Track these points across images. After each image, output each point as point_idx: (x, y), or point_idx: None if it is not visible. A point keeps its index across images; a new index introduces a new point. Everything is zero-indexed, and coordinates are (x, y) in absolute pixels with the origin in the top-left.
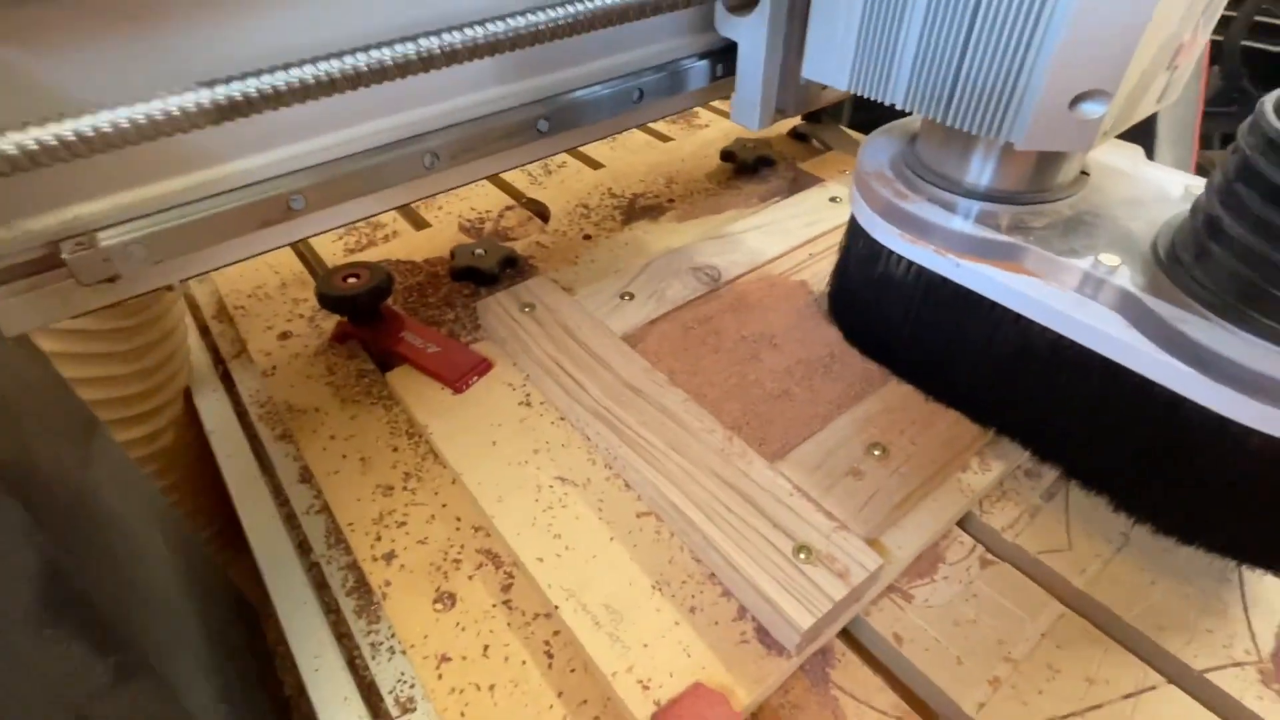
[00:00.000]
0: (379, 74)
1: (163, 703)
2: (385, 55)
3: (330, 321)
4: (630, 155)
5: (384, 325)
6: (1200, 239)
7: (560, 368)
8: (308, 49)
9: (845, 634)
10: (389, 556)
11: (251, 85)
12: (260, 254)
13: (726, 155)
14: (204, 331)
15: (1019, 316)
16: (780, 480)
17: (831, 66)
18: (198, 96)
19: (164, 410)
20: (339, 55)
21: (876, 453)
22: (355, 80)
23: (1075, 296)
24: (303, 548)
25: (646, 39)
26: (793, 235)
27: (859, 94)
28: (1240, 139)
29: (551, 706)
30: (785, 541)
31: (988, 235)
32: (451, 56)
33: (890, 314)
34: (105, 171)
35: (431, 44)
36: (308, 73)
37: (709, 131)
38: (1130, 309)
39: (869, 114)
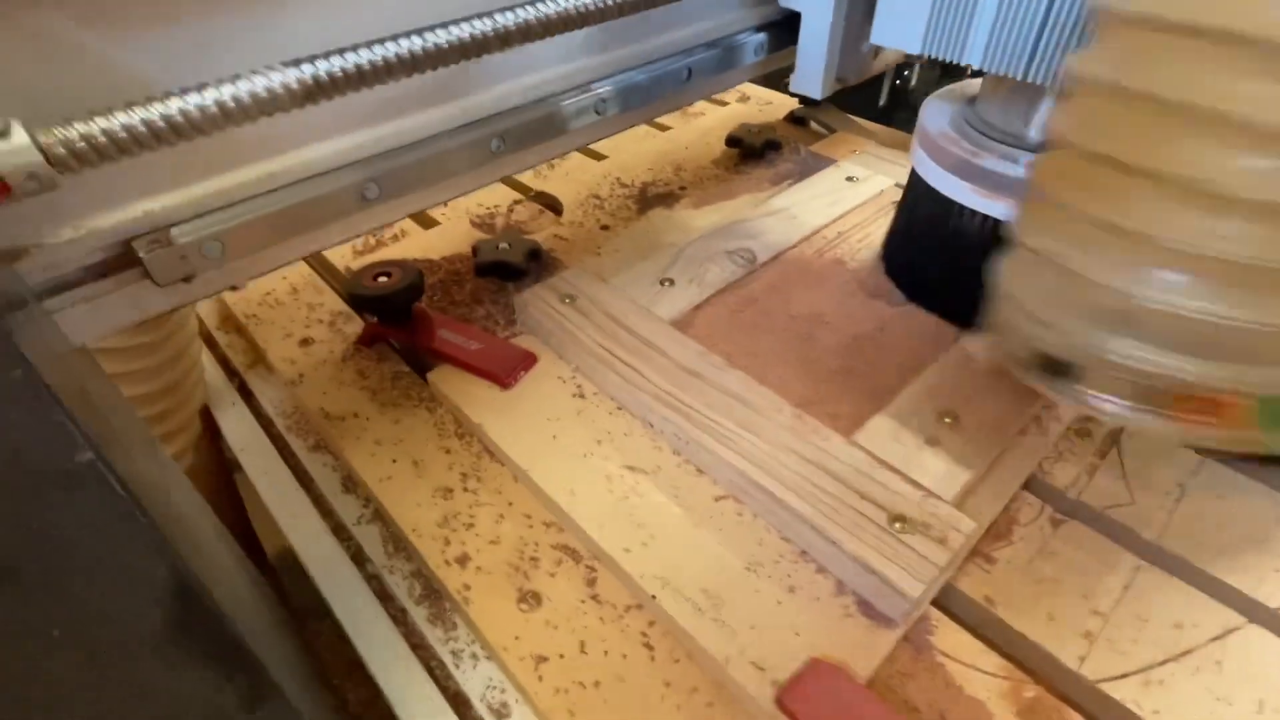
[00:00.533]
0: (458, 51)
1: None
2: (464, 32)
3: (353, 326)
4: (632, 145)
5: (417, 325)
6: None
7: (615, 356)
8: (374, 31)
9: (936, 601)
10: (462, 560)
11: (337, 64)
12: (330, 247)
13: (732, 141)
14: (209, 344)
15: None
16: (860, 453)
17: (903, 30)
18: (285, 77)
19: (182, 432)
20: (419, 32)
21: (948, 420)
22: (436, 58)
23: None
24: (357, 560)
25: (701, 14)
26: (818, 215)
27: (931, 56)
28: None
29: (662, 698)
30: (878, 513)
31: None
32: (526, 33)
33: (962, 268)
34: (175, 163)
35: (507, 19)
36: (391, 50)
37: (705, 120)
38: None
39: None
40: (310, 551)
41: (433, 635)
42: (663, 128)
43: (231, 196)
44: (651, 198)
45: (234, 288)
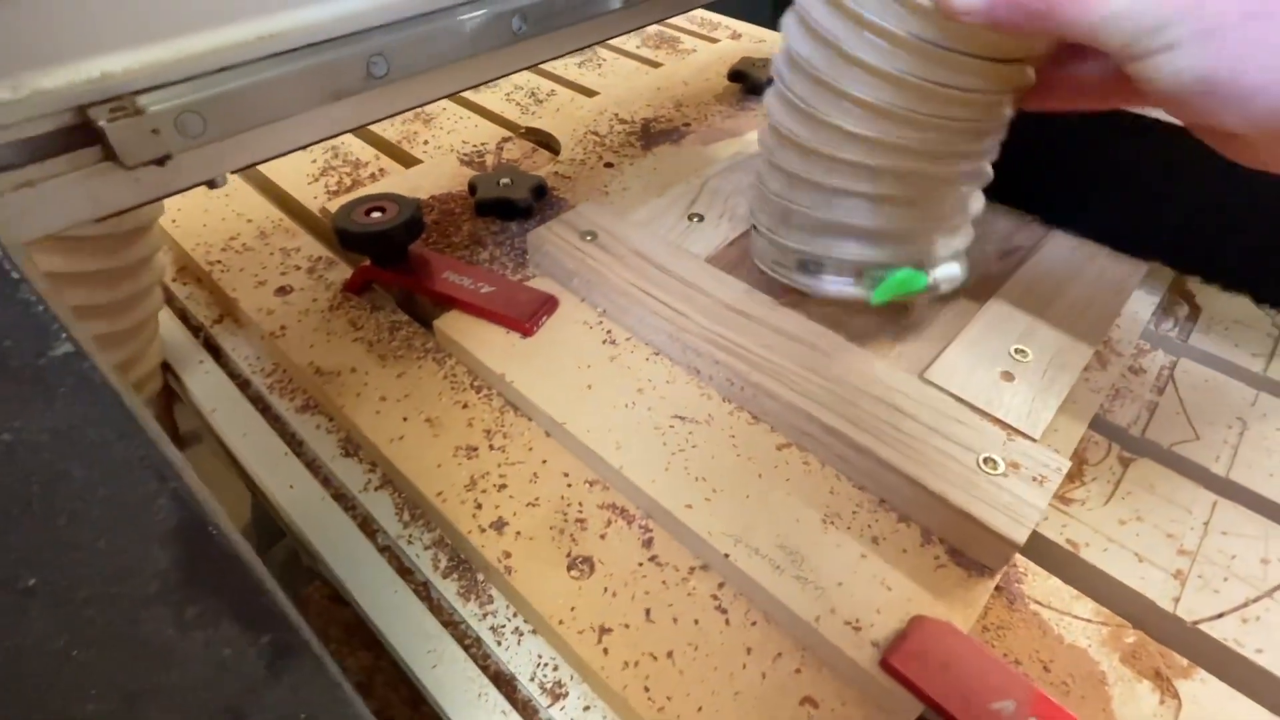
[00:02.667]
0: None
1: (327, 688)
2: None
3: (337, 272)
4: (623, 81)
5: (417, 267)
6: None
7: (651, 296)
8: None
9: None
10: (498, 525)
11: None
12: (330, 138)
13: (735, 76)
14: (166, 298)
15: (1139, 117)
16: (935, 392)
17: None
18: None
19: (143, 387)
20: None
21: (1017, 355)
22: None
23: None
24: (366, 530)
25: None
26: None
27: None
28: None
29: (745, 666)
30: (966, 454)
31: None
32: None
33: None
34: (139, 12)
35: None
36: None
37: (699, 56)
38: None
39: None
40: (313, 523)
41: (465, 610)
42: (654, 64)
43: (213, 63)
44: (655, 134)
45: (212, 183)
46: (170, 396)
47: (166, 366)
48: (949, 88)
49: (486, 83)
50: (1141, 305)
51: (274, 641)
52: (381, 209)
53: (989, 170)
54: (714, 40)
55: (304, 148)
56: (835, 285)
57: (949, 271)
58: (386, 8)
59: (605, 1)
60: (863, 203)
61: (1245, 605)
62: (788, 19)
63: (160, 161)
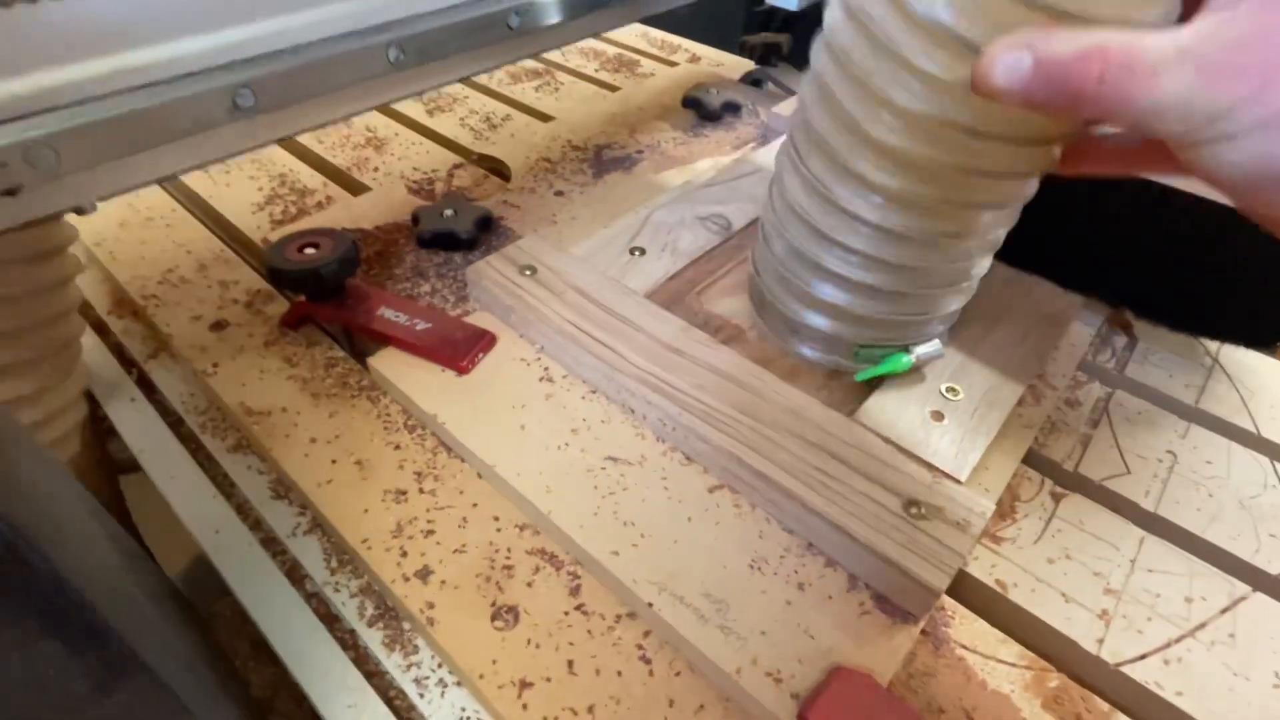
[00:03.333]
0: None
1: (160, 703)
2: None
3: (276, 306)
4: (580, 106)
5: (353, 302)
6: None
7: (586, 334)
8: None
9: (950, 589)
10: (424, 573)
11: None
12: (201, 166)
13: (690, 102)
14: (100, 331)
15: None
16: (864, 433)
17: None
18: None
19: (61, 416)
20: None
21: (948, 393)
22: None
23: None
24: (293, 577)
25: None
26: None
27: None
28: None
29: (666, 719)
30: (890, 498)
31: None
32: None
33: None
34: None
35: None
36: None
37: (657, 80)
38: None
39: None
40: (236, 569)
41: (390, 661)
42: (612, 88)
43: (71, 96)
44: (608, 161)
45: (80, 210)
46: (101, 426)
47: (93, 398)
48: (973, 172)
49: (362, 111)
50: (1079, 336)
51: (104, 660)
52: (316, 245)
53: (989, 258)
54: (673, 64)
55: (171, 177)
56: (820, 356)
57: (931, 349)
58: (251, 41)
59: (486, 32)
60: (864, 291)
61: (1168, 646)
62: (805, 82)
63: (10, 193)
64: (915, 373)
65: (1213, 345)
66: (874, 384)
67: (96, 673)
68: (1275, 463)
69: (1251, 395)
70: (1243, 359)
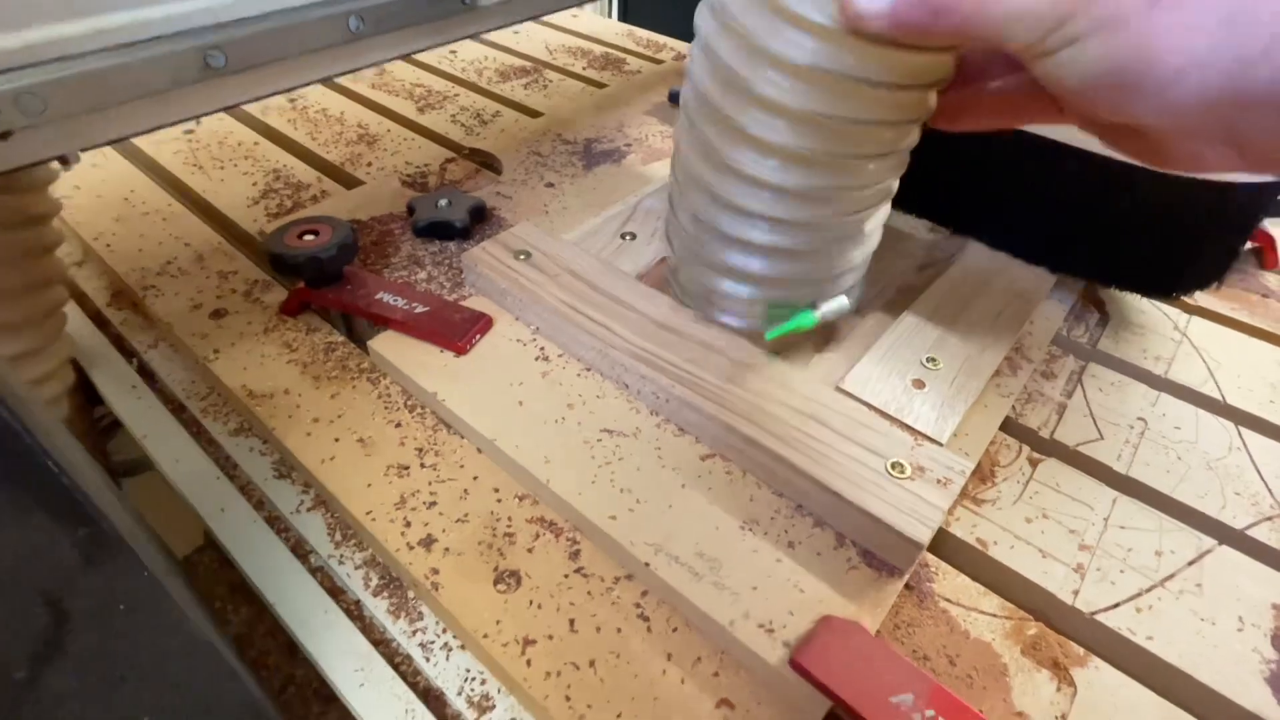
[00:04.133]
0: None
1: (145, 586)
2: None
3: (274, 294)
4: (568, 102)
5: (352, 288)
6: None
7: (581, 314)
8: None
9: (932, 547)
10: (427, 542)
11: None
12: (176, 123)
13: (676, 97)
14: (101, 324)
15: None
16: (849, 400)
17: None
18: None
19: (53, 377)
20: None
21: (929, 364)
22: None
23: None
24: (298, 552)
25: None
26: None
27: None
28: None
29: (664, 671)
30: (875, 459)
31: None
32: None
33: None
34: None
35: None
36: None
37: (643, 77)
38: None
39: None
40: (243, 546)
41: (396, 628)
42: (599, 85)
43: (49, 53)
44: (597, 154)
45: (64, 160)
46: (98, 427)
47: (89, 398)
48: (852, 120)
49: (329, 78)
50: (1054, 312)
51: (91, 535)
52: (315, 232)
53: (886, 208)
54: (658, 61)
55: (148, 131)
56: (732, 320)
57: (837, 305)
58: (224, 6)
59: (445, 4)
60: (761, 253)
61: (1139, 595)
62: (693, 50)
63: (3, 136)
64: (897, 345)
65: (1181, 320)
66: (859, 355)
67: (84, 546)
68: (1240, 428)
69: (1218, 366)
70: (1210, 332)
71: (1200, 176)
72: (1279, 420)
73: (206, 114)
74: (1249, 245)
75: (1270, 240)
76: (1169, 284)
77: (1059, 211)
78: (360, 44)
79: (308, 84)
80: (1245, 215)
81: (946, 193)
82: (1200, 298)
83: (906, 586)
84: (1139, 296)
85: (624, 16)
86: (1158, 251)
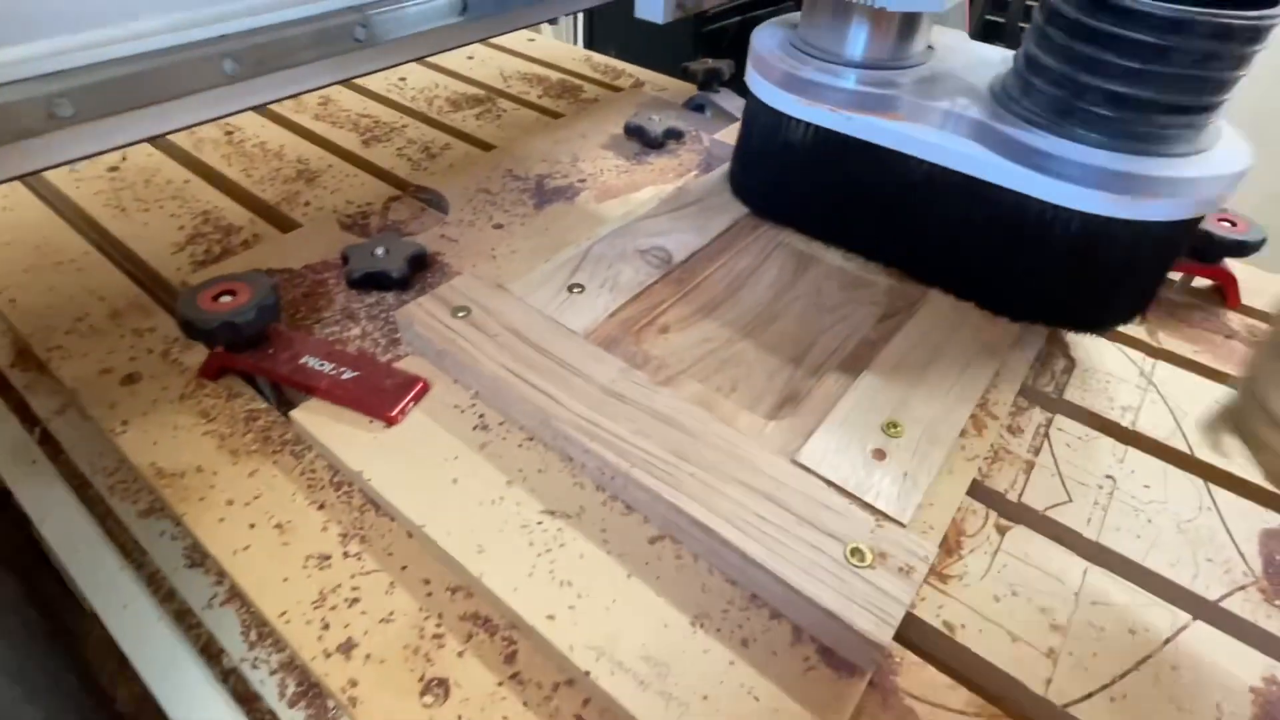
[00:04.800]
0: None
1: None
2: None
3: (193, 355)
4: (522, 134)
5: (275, 351)
6: (1024, 76)
7: (523, 380)
8: None
9: (896, 633)
10: (347, 647)
11: None
12: (19, 177)
13: (633, 130)
14: (3, 387)
15: (900, 154)
16: (805, 476)
17: None
18: None
19: None
20: None
21: (891, 429)
22: None
23: (938, 131)
24: (210, 652)
25: None
26: (733, 206)
27: None
28: None
29: None
30: (833, 545)
31: (870, 90)
32: None
33: (793, 177)
34: None
35: None
36: None
37: (601, 106)
38: (981, 133)
39: None
40: (141, 647)
41: None
42: (555, 115)
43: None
44: (549, 191)
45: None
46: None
47: None
48: None
49: (199, 124)
50: (1019, 362)
51: None
52: (233, 292)
53: None
54: (617, 89)
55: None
56: None
57: None
58: (72, 52)
59: (334, 43)
60: None
61: (1113, 683)
62: None
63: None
64: (856, 410)
65: (1147, 365)
66: (816, 421)
67: None
68: (1209, 484)
69: (1185, 415)
70: (1176, 378)
71: (1116, 215)
72: (1244, 474)
73: (60, 164)
74: (1210, 283)
75: (1231, 279)
76: (1093, 320)
77: (980, 248)
78: (240, 86)
79: (176, 131)
80: (1163, 251)
81: (870, 228)
82: (1165, 339)
83: (870, 683)
84: (1106, 341)
85: (590, 44)
86: (1078, 288)
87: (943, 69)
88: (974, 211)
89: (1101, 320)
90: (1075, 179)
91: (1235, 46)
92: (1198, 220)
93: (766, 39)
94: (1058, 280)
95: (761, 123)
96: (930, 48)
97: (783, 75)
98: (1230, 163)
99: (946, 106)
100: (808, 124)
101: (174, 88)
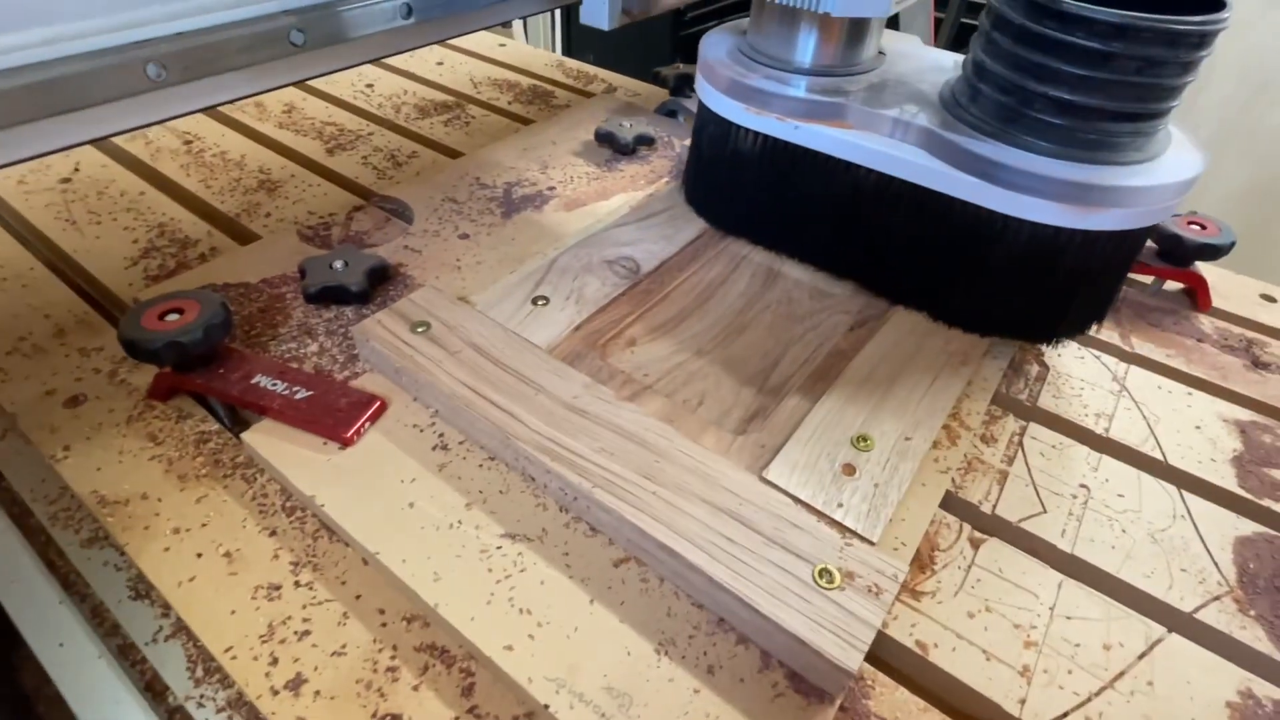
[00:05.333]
0: None
1: None
2: None
3: (142, 375)
4: (491, 140)
5: (226, 370)
6: (972, 83)
7: (482, 397)
8: None
9: (868, 653)
10: (296, 684)
11: None
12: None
13: (603, 136)
14: None
15: (849, 164)
16: (773, 494)
17: None
18: None
19: None
20: None
21: (859, 444)
22: None
23: (888, 140)
24: (154, 689)
25: None
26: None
27: None
28: None
29: None
30: (802, 567)
31: (818, 98)
32: None
33: (743, 186)
34: None
35: None
36: None
37: (572, 111)
38: (929, 142)
39: None
40: (79, 688)
41: None
42: (525, 121)
43: None
44: (517, 199)
45: None
46: None
47: None
48: None
49: (123, 132)
50: (992, 369)
51: None
52: (180, 310)
53: None
54: (589, 94)
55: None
56: None
57: None
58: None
59: (270, 48)
60: None
61: (1089, 700)
62: None
63: None
64: (825, 424)
65: (1120, 370)
66: (785, 436)
67: None
68: (1183, 491)
69: (1158, 421)
70: (1149, 383)
71: (1066, 225)
72: (1218, 480)
73: (149, 125)
74: (1181, 287)
75: (1202, 282)
76: (1048, 331)
77: (931, 260)
78: (165, 92)
79: (102, 138)
80: (1117, 259)
81: (823, 239)
82: (1137, 344)
83: (841, 708)
84: (1078, 346)
85: (567, 50)
86: (1031, 299)
87: (893, 75)
88: (925, 222)
89: (1057, 331)
90: (1024, 188)
91: (1182, 52)
92: (1151, 228)
93: (715, 45)
94: (1010, 291)
95: (710, 132)
96: (881, 53)
97: (730, 83)
98: (1181, 169)
99: (895, 114)
100: (756, 133)
101: (94, 94)
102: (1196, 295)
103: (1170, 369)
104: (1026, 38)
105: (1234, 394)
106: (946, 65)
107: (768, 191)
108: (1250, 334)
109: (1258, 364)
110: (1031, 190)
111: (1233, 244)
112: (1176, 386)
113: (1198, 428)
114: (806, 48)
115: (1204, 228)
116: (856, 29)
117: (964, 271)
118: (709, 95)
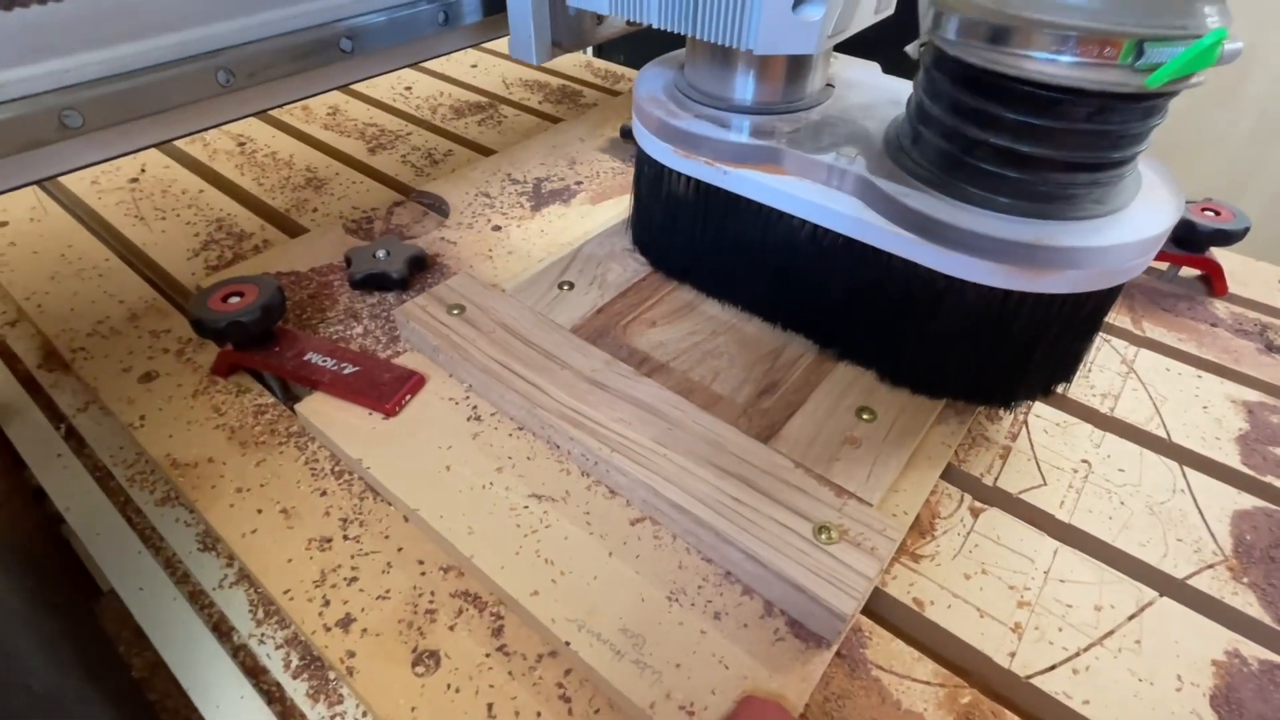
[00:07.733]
0: None
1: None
2: None
3: (206, 354)
4: (522, 138)
5: (281, 348)
6: (913, 125)
7: (511, 372)
8: None
9: (867, 608)
10: (345, 622)
11: None
12: (37, 182)
13: (628, 133)
14: (31, 387)
15: (782, 214)
16: (780, 459)
17: None
18: None
19: None
20: None
21: (865, 416)
22: None
23: (823, 188)
24: (221, 629)
25: None
26: None
27: (619, 17)
28: (928, 33)
29: None
30: (803, 524)
31: (748, 142)
32: None
33: (679, 232)
34: None
35: None
36: None
37: (599, 110)
38: (865, 192)
39: None
40: (161, 626)
41: (315, 713)
42: (554, 119)
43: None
44: (546, 194)
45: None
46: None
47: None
48: None
49: (197, 132)
50: None
51: None
52: (240, 293)
53: None
54: (615, 93)
55: (13, 189)
56: (1063, 64)
57: (1234, 46)
58: (85, 67)
59: (322, 53)
60: None
61: (1077, 655)
62: None
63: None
64: (831, 397)
65: (1129, 353)
66: (792, 410)
67: None
68: (1184, 468)
69: (1164, 401)
70: (1158, 365)
71: (1014, 289)
72: (1221, 458)
73: (72, 170)
74: (1198, 273)
75: (1217, 268)
76: (1000, 397)
77: (871, 318)
78: (235, 95)
79: (176, 139)
80: (1076, 324)
81: (760, 290)
82: (1149, 329)
83: (839, 654)
84: None
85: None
86: (979, 363)
87: (838, 111)
88: (863, 278)
89: (1011, 397)
90: (965, 247)
91: (1134, 103)
92: (1117, 289)
93: (649, 80)
94: (958, 355)
95: (645, 172)
96: (830, 86)
97: (659, 123)
98: (1147, 224)
99: (830, 160)
100: (688, 177)
101: (173, 99)
102: (1212, 281)
103: (1181, 352)
104: (967, 77)
105: (1245, 376)
106: (903, 98)
107: (704, 238)
108: (1266, 319)
109: (1271, 348)
110: (974, 250)
111: (1247, 229)
112: (1186, 369)
113: (1205, 408)
114: (742, 84)
115: (1218, 214)
116: (795, 63)
117: (905, 332)
118: (641, 135)
